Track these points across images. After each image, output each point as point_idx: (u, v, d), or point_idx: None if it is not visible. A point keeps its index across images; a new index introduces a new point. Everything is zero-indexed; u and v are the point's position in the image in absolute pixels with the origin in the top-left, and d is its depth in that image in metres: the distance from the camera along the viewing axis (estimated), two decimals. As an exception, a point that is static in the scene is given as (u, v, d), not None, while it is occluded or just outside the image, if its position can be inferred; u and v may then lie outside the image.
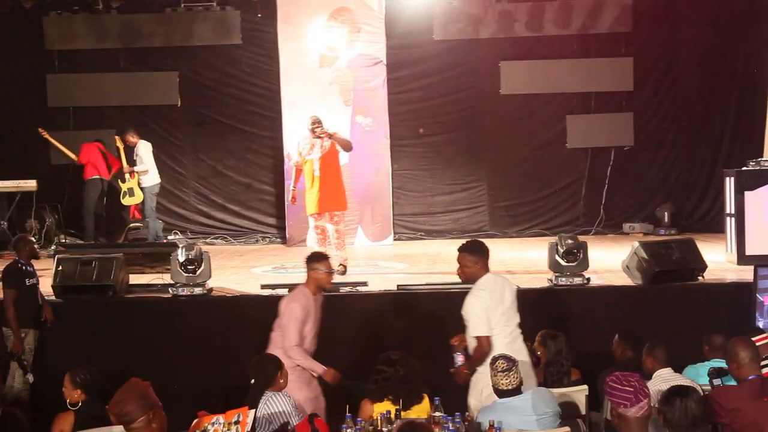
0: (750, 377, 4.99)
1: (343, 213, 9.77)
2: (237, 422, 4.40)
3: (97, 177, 12.38)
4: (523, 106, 13.62)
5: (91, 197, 12.39)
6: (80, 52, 13.58)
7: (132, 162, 12.43)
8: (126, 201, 12.58)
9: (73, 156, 12.44)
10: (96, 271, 7.94)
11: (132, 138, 12.39)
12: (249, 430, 4.47)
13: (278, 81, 13.17)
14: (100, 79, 13.54)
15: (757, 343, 5.37)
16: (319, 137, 9.36)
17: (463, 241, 6.13)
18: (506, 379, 5.11)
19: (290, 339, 6.10)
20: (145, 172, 12.34)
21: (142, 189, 12.41)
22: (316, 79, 13.07)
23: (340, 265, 9.26)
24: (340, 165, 9.85)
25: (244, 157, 13.78)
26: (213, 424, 4.40)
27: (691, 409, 4.44)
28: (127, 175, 12.42)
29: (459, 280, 8.39)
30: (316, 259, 6.46)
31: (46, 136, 12.60)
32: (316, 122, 9.42)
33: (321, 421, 4.77)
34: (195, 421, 4.54)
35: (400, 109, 13.44)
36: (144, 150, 12.38)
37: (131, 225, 13.03)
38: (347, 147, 9.72)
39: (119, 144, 12.49)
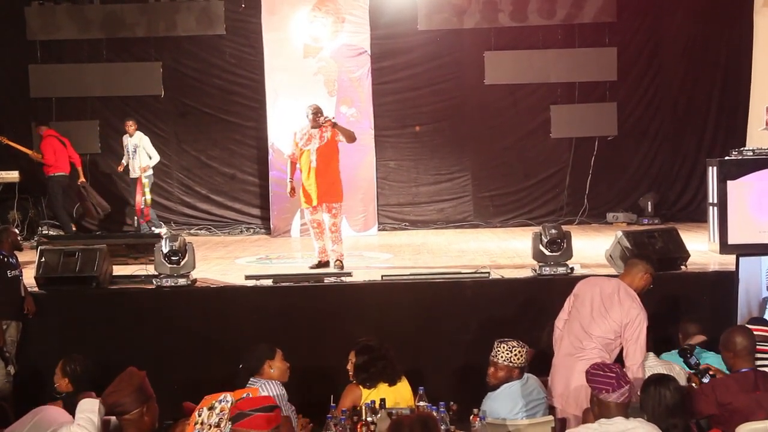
0: (743, 369, 5.00)
1: (340, 205, 9.19)
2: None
3: (60, 174, 12.30)
4: (507, 96, 13.62)
5: (57, 194, 12.33)
6: (63, 42, 13.50)
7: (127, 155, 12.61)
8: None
9: (36, 156, 12.33)
10: (79, 262, 7.87)
11: (131, 128, 12.45)
12: None
13: (262, 71, 13.14)
14: (82, 70, 13.48)
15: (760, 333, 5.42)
16: (320, 126, 8.93)
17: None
18: (521, 358, 5.31)
19: (644, 353, 5.41)
20: (148, 167, 12.61)
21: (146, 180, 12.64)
22: (301, 70, 13.03)
23: (337, 260, 8.94)
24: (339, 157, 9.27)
25: (228, 147, 13.75)
26: (220, 401, 4.28)
27: (666, 398, 4.47)
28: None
29: (444, 271, 8.49)
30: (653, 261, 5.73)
31: (6, 142, 12.46)
32: (318, 111, 8.96)
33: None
34: (201, 402, 4.46)
35: (385, 99, 13.43)
36: (146, 142, 12.58)
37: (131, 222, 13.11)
38: (351, 138, 9.19)
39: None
